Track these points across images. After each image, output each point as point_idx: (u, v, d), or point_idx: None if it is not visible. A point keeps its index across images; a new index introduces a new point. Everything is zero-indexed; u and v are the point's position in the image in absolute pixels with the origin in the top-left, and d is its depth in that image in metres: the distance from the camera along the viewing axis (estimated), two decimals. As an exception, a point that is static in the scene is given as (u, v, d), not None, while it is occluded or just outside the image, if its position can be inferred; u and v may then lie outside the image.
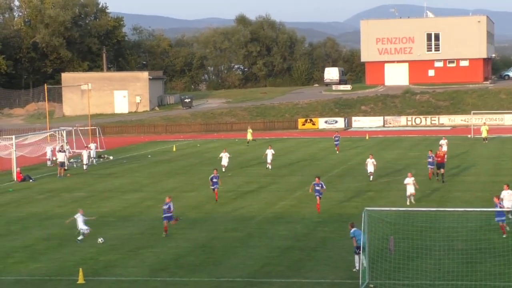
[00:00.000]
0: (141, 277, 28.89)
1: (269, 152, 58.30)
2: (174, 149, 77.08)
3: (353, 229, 28.94)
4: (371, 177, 50.35)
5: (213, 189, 43.97)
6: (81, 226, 35.04)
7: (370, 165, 50.44)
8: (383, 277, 27.50)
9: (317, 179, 40.46)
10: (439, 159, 49.12)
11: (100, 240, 34.60)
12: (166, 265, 30.43)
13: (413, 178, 41.88)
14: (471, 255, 29.78)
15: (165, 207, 35.50)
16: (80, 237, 34.89)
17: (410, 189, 41.85)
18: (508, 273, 27.57)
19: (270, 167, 58.04)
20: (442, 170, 48.89)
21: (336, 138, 69.92)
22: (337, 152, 68.60)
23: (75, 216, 35.39)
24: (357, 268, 28.09)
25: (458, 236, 32.25)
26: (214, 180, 43.80)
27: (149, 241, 34.72)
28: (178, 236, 35.47)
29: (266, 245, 33.34)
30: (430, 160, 50.24)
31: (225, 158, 57.44)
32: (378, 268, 28.20)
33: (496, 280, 26.96)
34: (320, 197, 40.05)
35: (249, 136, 79.97)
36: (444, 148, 57.83)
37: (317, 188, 40.10)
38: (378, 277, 27.50)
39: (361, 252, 27.82)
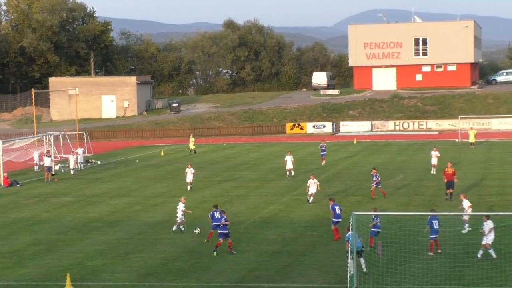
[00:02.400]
0: (129, 282, 28.83)
1: (289, 159, 55.99)
2: (162, 154, 76.95)
3: (348, 233, 28.84)
4: (311, 198, 43.89)
5: (216, 231, 33.49)
6: (179, 214, 36.67)
7: (313, 186, 43.86)
8: (371, 282, 27.53)
9: (331, 201, 35.32)
10: (446, 176, 43.96)
11: (197, 230, 36.15)
12: (154, 270, 30.36)
13: (469, 204, 35.06)
14: (459, 259, 29.88)
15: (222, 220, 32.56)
16: (174, 227, 36.70)
17: (465, 216, 34.72)
18: (495, 277, 27.64)
19: (293, 173, 55.81)
20: (451, 190, 43.51)
21: (322, 148, 63.32)
22: (323, 163, 62.69)
23: (179, 206, 36.91)
24: (354, 271, 27.98)
25: (446, 240, 32.34)
26: (217, 217, 33.55)
27: (137, 246, 34.64)
28: (166, 241, 35.41)
29: (254, 249, 33.32)
30: (374, 179, 44.87)
31: (190, 175, 50.63)
32: (366, 273, 28.25)
33: (484, 284, 27.04)
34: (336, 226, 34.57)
35: (191, 145, 75.96)
36: (433, 161, 54.88)
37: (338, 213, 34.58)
38: (366, 281, 27.53)
39: (357, 255, 27.70)
